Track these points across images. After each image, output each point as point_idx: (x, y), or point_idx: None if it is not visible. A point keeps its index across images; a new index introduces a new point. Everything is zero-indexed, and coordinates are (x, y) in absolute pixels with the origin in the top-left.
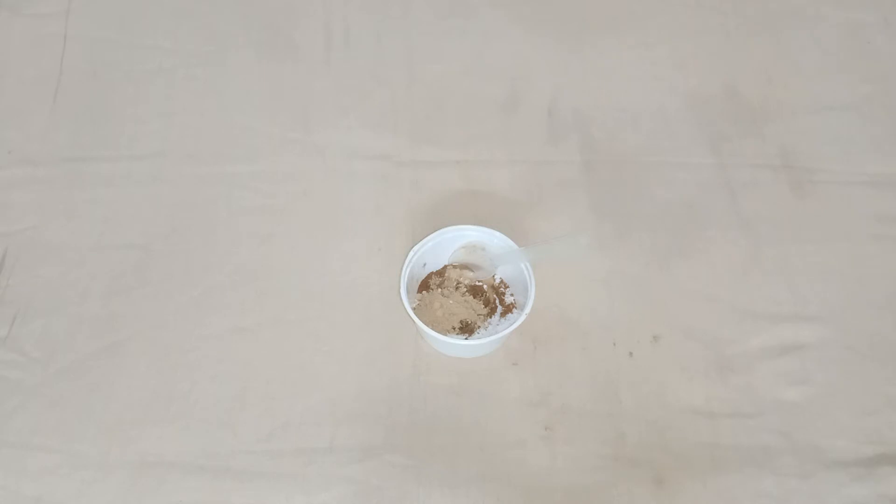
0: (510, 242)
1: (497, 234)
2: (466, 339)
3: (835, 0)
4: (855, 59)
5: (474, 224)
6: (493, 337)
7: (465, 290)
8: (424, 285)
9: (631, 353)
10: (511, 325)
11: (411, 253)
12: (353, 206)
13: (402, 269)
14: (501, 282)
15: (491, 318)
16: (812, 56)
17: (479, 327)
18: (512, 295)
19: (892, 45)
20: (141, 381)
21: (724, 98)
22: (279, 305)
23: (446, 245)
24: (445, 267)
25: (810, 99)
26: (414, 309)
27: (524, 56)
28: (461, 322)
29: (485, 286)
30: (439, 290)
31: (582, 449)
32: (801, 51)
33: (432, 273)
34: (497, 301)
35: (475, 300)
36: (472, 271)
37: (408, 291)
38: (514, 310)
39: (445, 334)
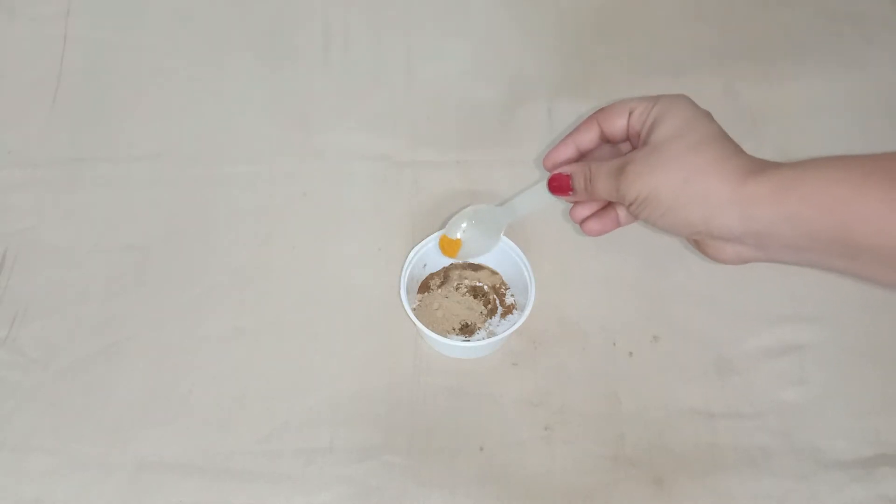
0: (510, 243)
1: None
2: (466, 340)
3: (835, 1)
4: (854, 58)
5: None
6: (493, 339)
7: (466, 290)
8: (424, 286)
9: (631, 354)
10: (511, 326)
11: (411, 254)
12: (353, 206)
13: (401, 269)
14: (502, 282)
15: (491, 319)
16: (811, 56)
17: (479, 328)
18: (512, 296)
19: (891, 44)
20: (140, 381)
21: (723, 99)
22: (278, 306)
23: None
24: (446, 268)
25: (808, 100)
26: (414, 310)
27: (524, 56)
28: (461, 323)
29: (485, 287)
30: (439, 290)
31: (581, 449)
32: (800, 51)
33: (432, 274)
34: (497, 302)
35: (475, 301)
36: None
37: (408, 292)
38: (515, 311)
39: (445, 335)
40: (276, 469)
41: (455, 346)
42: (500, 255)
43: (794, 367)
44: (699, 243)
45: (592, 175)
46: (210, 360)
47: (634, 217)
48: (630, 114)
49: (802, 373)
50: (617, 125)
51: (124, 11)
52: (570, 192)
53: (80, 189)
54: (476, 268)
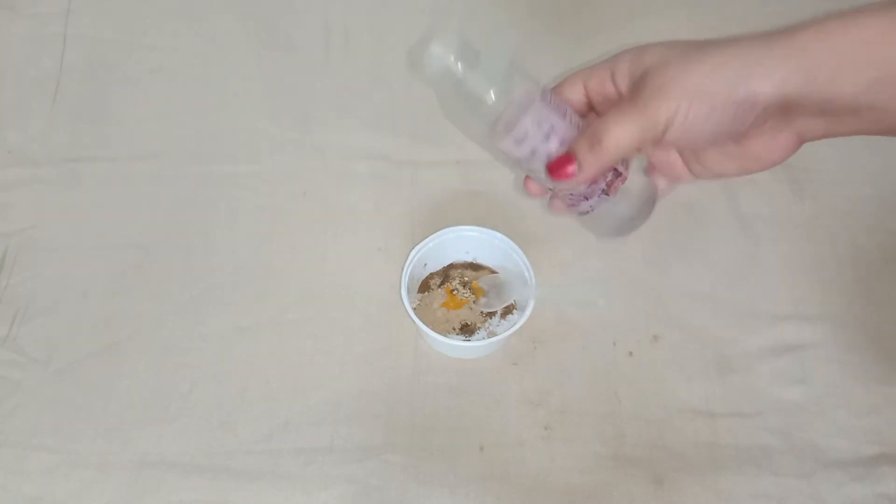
0: (511, 244)
1: (497, 234)
2: (467, 340)
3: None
4: None
5: (474, 224)
6: (493, 339)
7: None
8: (425, 285)
9: (631, 353)
10: (512, 326)
11: (412, 253)
12: (353, 206)
13: (402, 269)
14: None
15: (491, 319)
16: None
17: (479, 328)
18: None
19: None
20: (141, 380)
21: None
22: (279, 305)
23: (447, 246)
24: (445, 267)
25: None
26: (414, 309)
27: (524, 55)
28: (461, 323)
29: (486, 287)
30: (440, 290)
31: (581, 449)
32: None
33: (433, 273)
34: None
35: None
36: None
37: (408, 291)
38: (515, 311)
39: (446, 335)
40: (276, 468)
41: (455, 345)
42: (501, 255)
43: (795, 367)
44: (744, 146)
45: (598, 130)
46: (210, 359)
47: (666, 144)
48: (612, 74)
49: (803, 372)
50: (606, 88)
51: (124, 11)
52: (573, 169)
53: (80, 188)
54: (476, 268)
